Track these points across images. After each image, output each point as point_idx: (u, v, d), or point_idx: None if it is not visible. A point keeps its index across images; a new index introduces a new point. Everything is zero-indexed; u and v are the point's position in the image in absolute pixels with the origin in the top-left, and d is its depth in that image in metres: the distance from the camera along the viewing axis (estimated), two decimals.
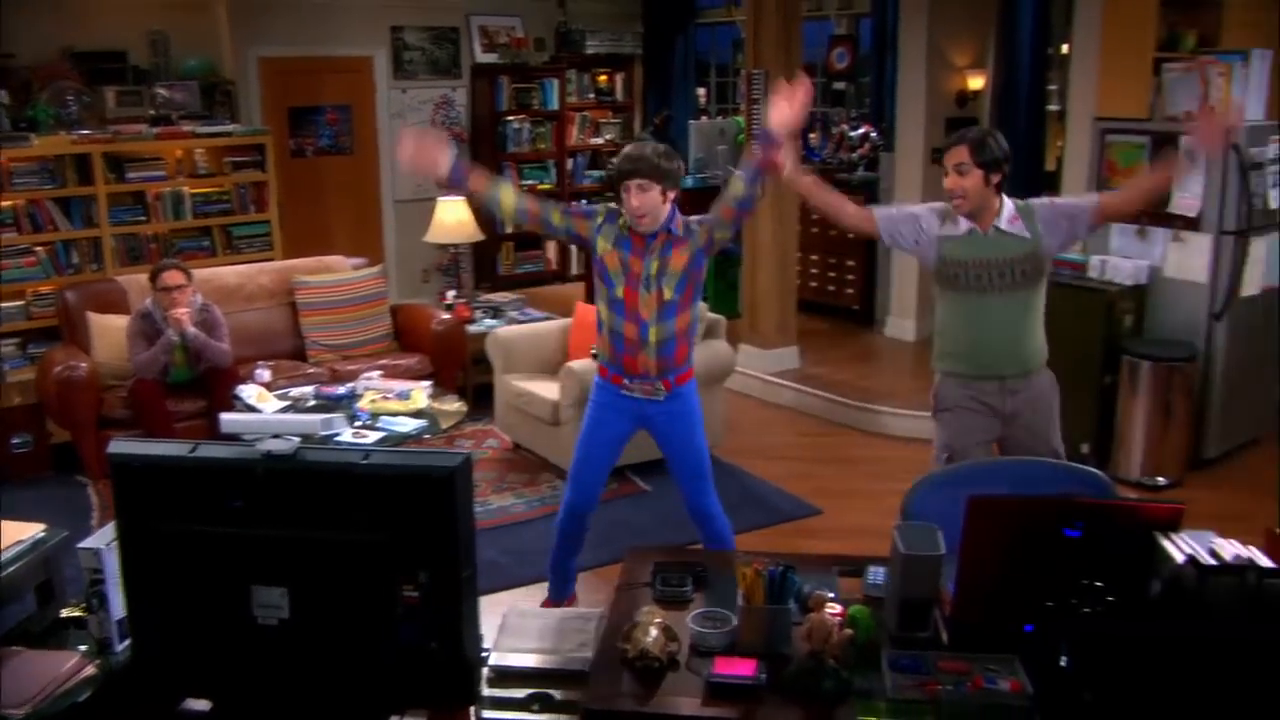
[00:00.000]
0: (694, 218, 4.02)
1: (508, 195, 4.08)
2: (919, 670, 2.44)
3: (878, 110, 9.24)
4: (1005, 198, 4.00)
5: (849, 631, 2.46)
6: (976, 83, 8.21)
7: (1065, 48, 8.02)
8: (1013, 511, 2.51)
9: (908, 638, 2.59)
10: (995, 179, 3.91)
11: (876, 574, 2.94)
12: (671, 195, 3.91)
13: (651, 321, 3.95)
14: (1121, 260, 6.21)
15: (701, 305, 6.14)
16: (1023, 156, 8.07)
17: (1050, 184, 8.38)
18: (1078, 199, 4.29)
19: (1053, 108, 8.34)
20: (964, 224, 4.00)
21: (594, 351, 4.27)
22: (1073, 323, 6.15)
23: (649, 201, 3.84)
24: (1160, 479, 5.98)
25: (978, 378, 4.11)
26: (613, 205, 4.06)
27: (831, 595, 2.61)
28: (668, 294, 3.93)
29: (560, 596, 4.45)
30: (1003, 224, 3.96)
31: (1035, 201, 4.09)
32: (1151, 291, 6.19)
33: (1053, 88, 8.31)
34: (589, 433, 4.21)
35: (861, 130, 9.17)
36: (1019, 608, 2.48)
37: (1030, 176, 8.16)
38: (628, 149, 3.93)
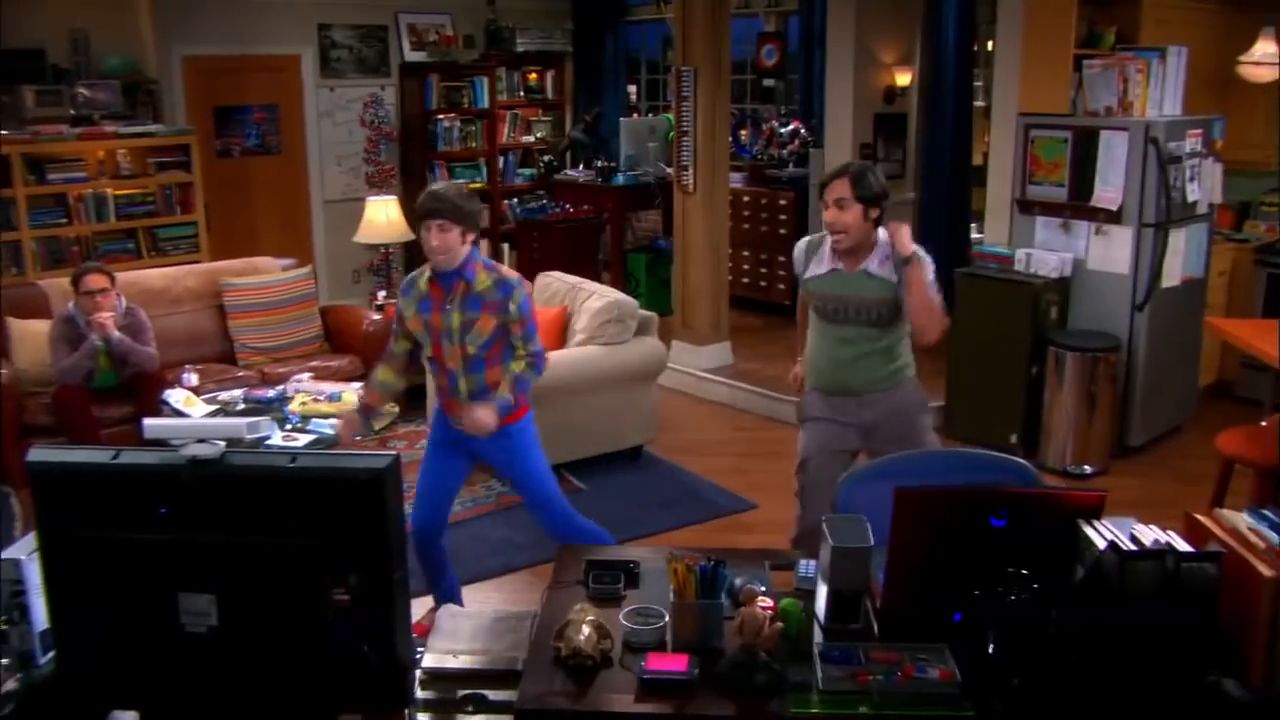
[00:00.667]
0: (513, 287, 3.99)
1: (386, 374, 4.27)
2: (850, 661, 2.47)
3: (807, 106, 9.31)
4: (883, 235, 3.96)
5: (780, 625, 2.48)
6: (904, 79, 8.31)
7: (990, 44, 8.15)
8: (939, 502, 2.55)
9: (839, 629, 2.62)
10: (874, 214, 3.90)
11: (808, 567, 2.97)
12: (470, 237, 3.97)
13: (459, 372, 4.03)
14: (1046, 253, 6.32)
15: (630, 301, 6.18)
16: (950, 152, 8.20)
17: (979, 178, 8.53)
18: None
19: (979, 103, 8.47)
20: (828, 262, 4.02)
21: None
22: (1000, 315, 6.28)
23: (448, 241, 3.88)
24: (1086, 467, 6.10)
25: (835, 393, 4.16)
26: (405, 279, 4.19)
27: (763, 589, 2.63)
28: (471, 349, 3.98)
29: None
30: (872, 267, 3.94)
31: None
32: (1075, 283, 6.31)
33: (978, 84, 8.44)
34: (426, 466, 4.31)
35: (791, 127, 9.24)
36: (948, 597, 2.51)
37: (958, 171, 8.29)
38: (430, 189, 3.99)
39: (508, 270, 4.09)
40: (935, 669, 2.42)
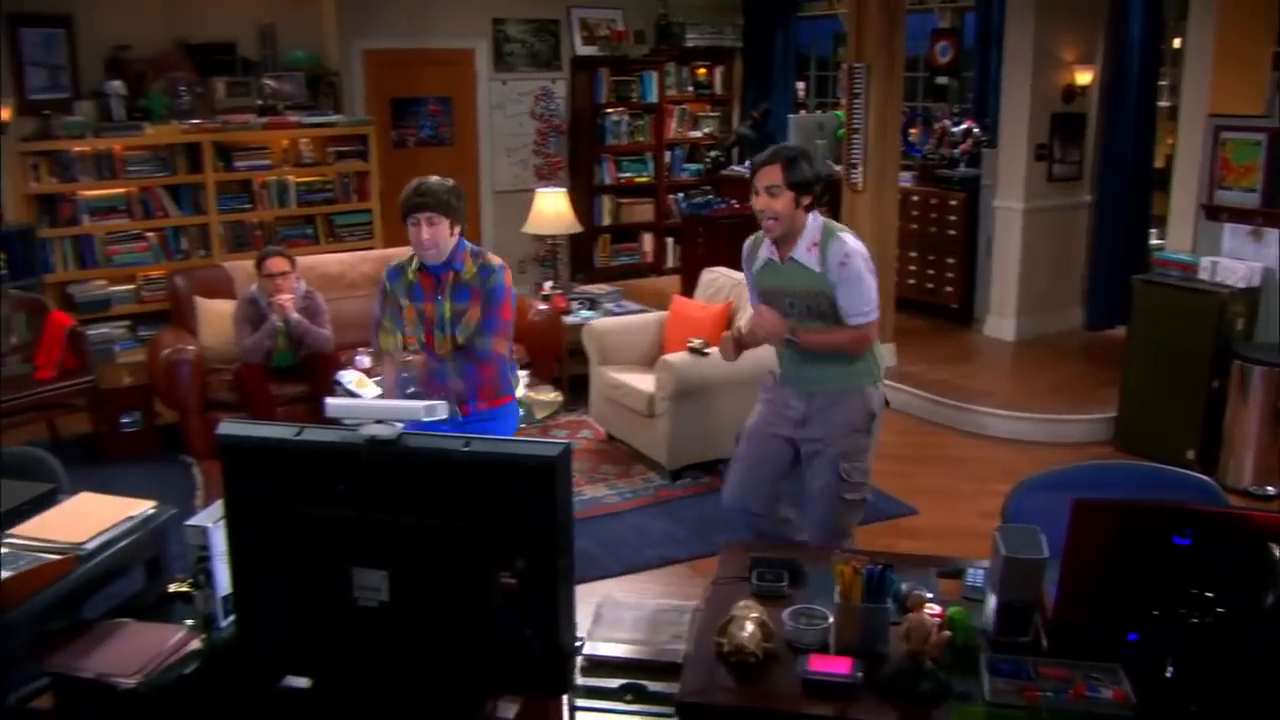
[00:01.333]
0: (497, 274, 3.97)
1: (388, 341, 4.17)
2: (1019, 675, 2.40)
3: (980, 105, 9.06)
4: (812, 219, 3.86)
5: (948, 633, 2.42)
6: (1084, 78, 8.02)
7: (1178, 42, 7.81)
8: (1119, 516, 2.45)
9: (1007, 642, 2.55)
10: (806, 201, 3.80)
11: (976, 576, 2.90)
12: (458, 230, 3.93)
13: (449, 360, 4.00)
14: (1233, 261, 6.03)
15: None
16: (1132, 154, 7.89)
17: (1160, 182, 8.20)
18: (854, 298, 3.84)
19: (1164, 103, 8.13)
20: (764, 254, 3.96)
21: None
22: (1180, 325, 6.02)
23: (437, 234, 3.86)
24: (1269, 488, 5.79)
25: (791, 389, 4.03)
26: (391, 265, 4.13)
27: (930, 596, 2.57)
28: (461, 339, 3.98)
29: None
30: (798, 254, 3.85)
31: (836, 245, 3.81)
32: (1265, 294, 6.00)
33: (1164, 83, 8.09)
34: None
35: (964, 126, 9.01)
36: (1123, 615, 2.42)
37: (1139, 174, 7.97)
38: (416, 184, 3.92)
39: (492, 256, 4.05)
40: (1109, 689, 2.33)
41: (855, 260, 3.80)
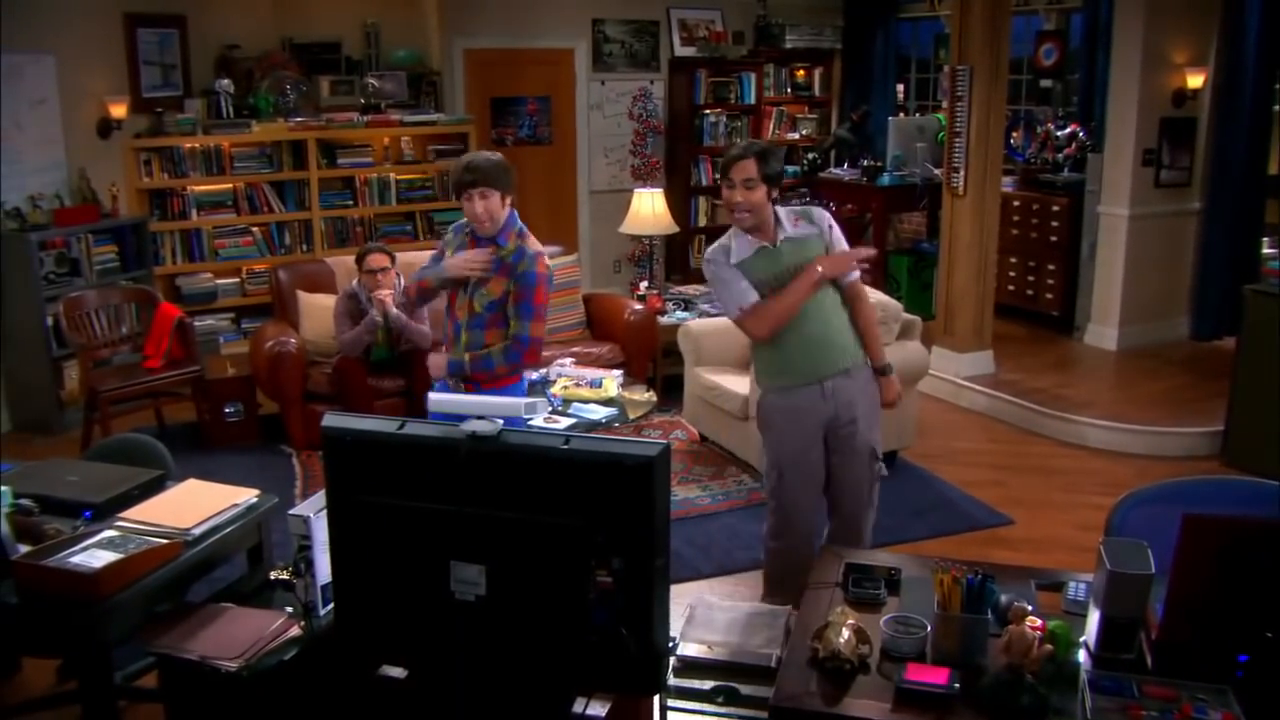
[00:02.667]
0: (530, 260, 4.03)
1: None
2: (1122, 693, 2.34)
3: (1086, 109, 8.88)
4: (777, 208, 3.96)
5: (1049, 647, 2.38)
6: (1196, 81, 7.81)
7: None
8: (1231, 532, 2.37)
9: (1110, 658, 2.49)
10: (775, 193, 3.90)
11: (1077, 589, 2.84)
12: (509, 200, 4.08)
13: (464, 325, 4.12)
14: None
15: (894, 304, 6.04)
16: (1244, 159, 7.68)
17: (1274, 188, 7.96)
18: (844, 254, 4.01)
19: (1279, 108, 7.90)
20: (748, 244, 3.92)
21: None
22: None
23: (490, 206, 4.00)
24: None
25: (800, 386, 3.98)
26: (460, 222, 4.25)
27: (1031, 608, 2.52)
28: (477, 307, 4.07)
29: None
30: (789, 230, 3.94)
31: (815, 209, 4.08)
32: None
33: None
34: None
35: (1068, 130, 8.83)
36: (1233, 636, 2.35)
37: (1251, 180, 7.76)
38: (466, 160, 4.07)
39: (534, 241, 4.12)
40: (1217, 712, 2.26)
41: (829, 219, 4.06)
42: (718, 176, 4.01)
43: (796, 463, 4.04)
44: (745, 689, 2.55)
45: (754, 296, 3.91)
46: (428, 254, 7.34)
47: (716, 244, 4.03)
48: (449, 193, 8.48)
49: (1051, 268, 8.60)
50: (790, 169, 10.45)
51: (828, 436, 4.04)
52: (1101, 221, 8.07)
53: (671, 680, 2.61)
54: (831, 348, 3.96)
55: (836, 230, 4.04)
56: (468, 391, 4.10)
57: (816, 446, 4.04)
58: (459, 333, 4.14)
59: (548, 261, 4.13)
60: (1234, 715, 2.24)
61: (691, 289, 8.11)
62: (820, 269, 3.86)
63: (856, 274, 4.07)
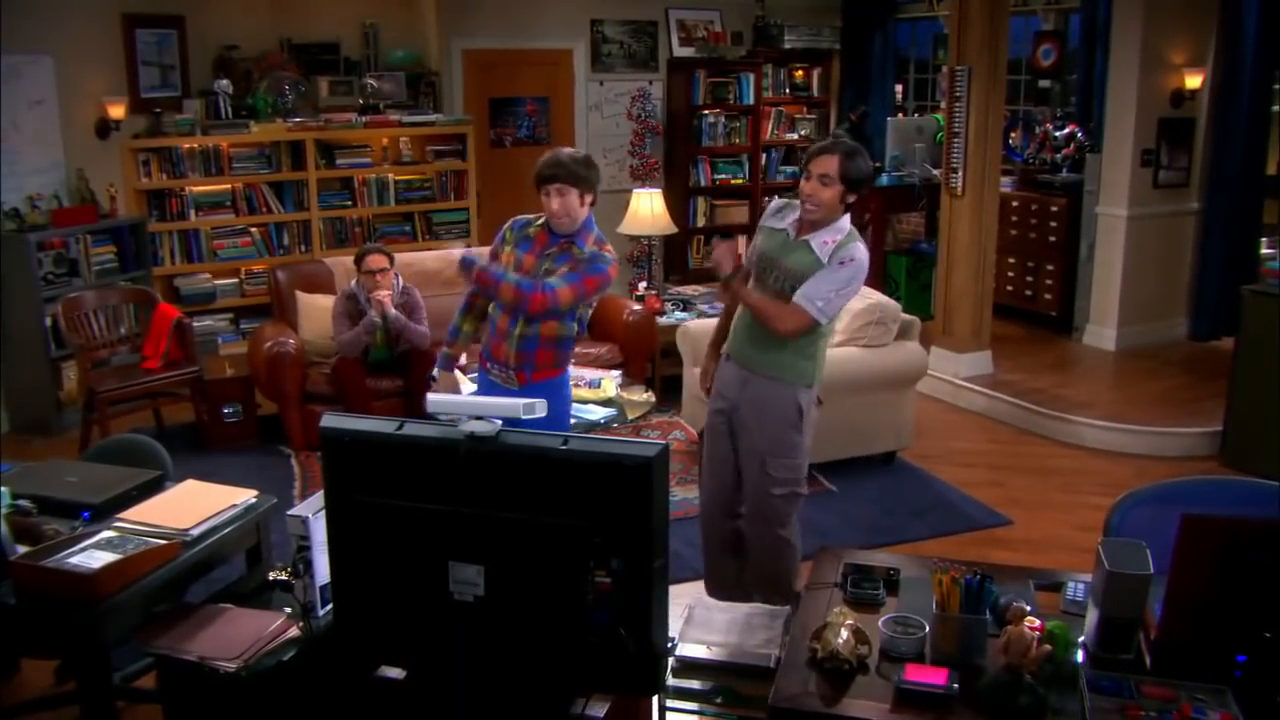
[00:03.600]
0: (600, 262, 4.04)
1: (469, 325, 4.38)
2: (1120, 693, 2.35)
3: (1084, 109, 8.88)
4: (845, 220, 3.89)
5: (1047, 647, 2.38)
6: (1194, 81, 7.81)
7: None
8: (1230, 533, 2.38)
9: (1108, 658, 2.49)
10: (851, 198, 3.84)
11: (1076, 589, 2.84)
12: (589, 199, 4.05)
13: (520, 316, 4.07)
14: None
15: (893, 304, 6.05)
16: (1243, 159, 7.69)
17: (1271, 189, 7.97)
18: (816, 288, 3.84)
19: (1278, 108, 7.90)
20: (788, 221, 3.95)
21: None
22: None
23: (568, 204, 3.98)
24: None
25: (730, 359, 4.11)
26: (521, 218, 4.23)
27: (1029, 609, 2.52)
28: None
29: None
30: (814, 240, 3.86)
31: (854, 251, 3.83)
32: None
33: (1279, 86, 7.85)
34: None
35: (1067, 130, 8.83)
36: (1232, 636, 2.35)
37: (1249, 181, 7.76)
38: (549, 155, 4.04)
39: (610, 249, 4.12)
40: (1215, 712, 2.27)
41: (853, 268, 3.83)
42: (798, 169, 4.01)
43: (709, 428, 4.19)
44: (744, 689, 2.55)
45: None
46: (426, 254, 7.41)
47: (788, 200, 4.06)
48: (448, 192, 8.51)
49: (1050, 268, 8.60)
50: (788, 169, 10.45)
51: (732, 422, 4.10)
52: (1100, 222, 8.08)
53: (670, 681, 2.61)
54: (762, 351, 3.98)
55: (841, 269, 3.81)
56: (519, 382, 4.13)
57: (721, 422, 4.12)
58: (514, 327, 4.09)
59: (616, 271, 4.14)
60: (1232, 715, 2.25)
61: (690, 289, 8.11)
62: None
63: (799, 303, 3.87)
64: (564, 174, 3.95)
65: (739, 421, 4.05)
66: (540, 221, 4.11)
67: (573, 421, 4.85)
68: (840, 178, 3.77)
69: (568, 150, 4.09)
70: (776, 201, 4.11)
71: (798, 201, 3.96)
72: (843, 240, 3.85)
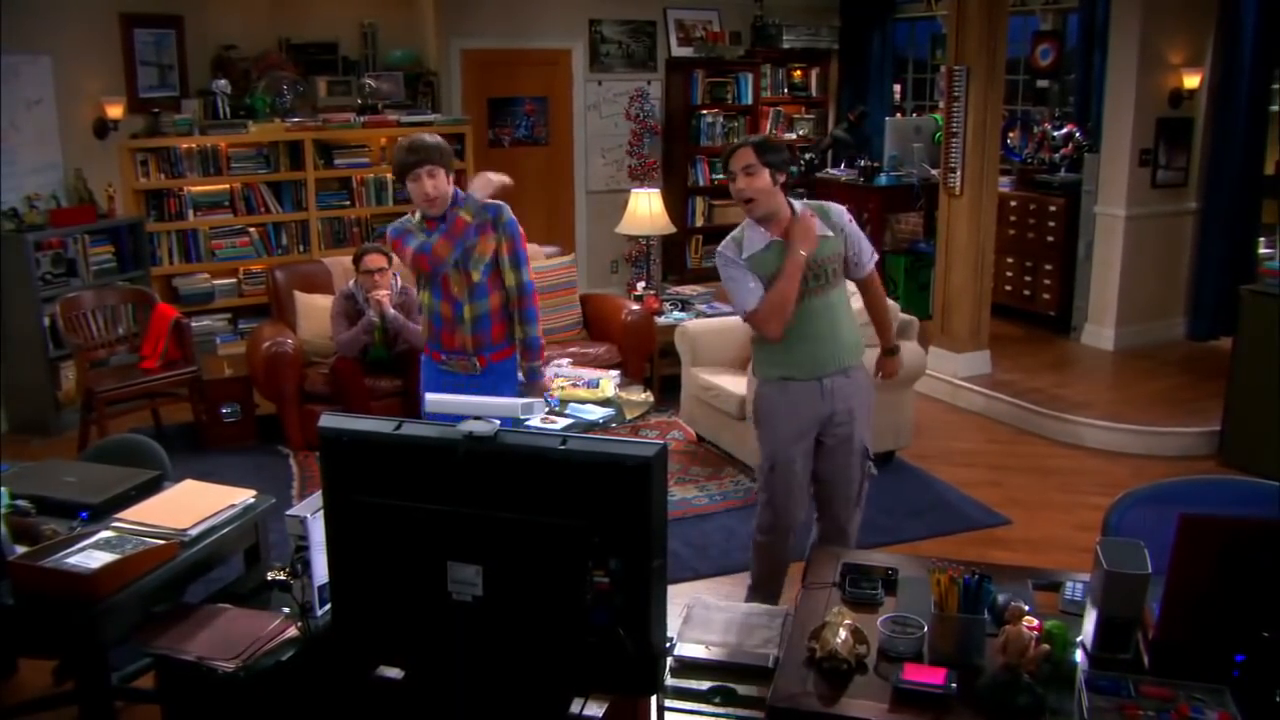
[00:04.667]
0: (500, 210, 4.18)
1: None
2: (1118, 693, 2.34)
3: (1083, 109, 8.89)
4: (794, 202, 3.95)
5: (1046, 647, 2.38)
6: (1192, 81, 7.82)
7: None
8: (1228, 532, 2.38)
9: (1107, 658, 2.49)
10: (781, 178, 3.88)
11: (1074, 589, 2.85)
12: (452, 177, 4.16)
13: (465, 300, 4.19)
14: None
15: (891, 304, 6.04)
16: (1241, 159, 7.69)
17: (1270, 189, 7.97)
18: (863, 247, 4.06)
19: (1276, 108, 7.91)
20: (761, 238, 3.91)
21: (425, 339, 4.46)
22: None
23: (440, 184, 4.08)
24: None
25: (800, 381, 4.00)
26: (394, 227, 4.27)
27: (1028, 608, 2.52)
28: (475, 275, 4.18)
29: None
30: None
31: (832, 207, 4.05)
32: None
33: (1277, 86, 7.86)
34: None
35: (1065, 130, 8.84)
36: (1230, 635, 2.35)
37: (1248, 180, 7.77)
38: (408, 143, 4.13)
39: (488, 198, 4.19)
40: (1214, 712, 2.27)
41: (848, 216, 4.05)
42: (724, 177, 3.99)
43: (789, 457, 4.04)
44: (742, 689, 2.55)
45: (761, 294, 3.89)
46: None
47: (729, 237, 4.01)
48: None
49: (1048, 268, 8.60)
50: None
51: (821, 434, 4.05)
52: (1098, 222, 8.08)
53: (669, 680, 2.61)
54: (837, 346, 3.97)
55: (853, 227, 4.04)
56: (480, 366, 4.22)
57: (808, 442, 4.05)
58: (460, 311, 4.19)
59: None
60: (1231, 715, 2.25)
61: (689, 289, 8.11)
62: (802, 251, 3.83)
63: (871, 265, 4.09)
64: (432, 155, 4.06)
65: (837, 423, 4.02)
66: (418, 219, 4.20)
67: (571, 421, 4.86)
68: (762, 164, 3.83)
69: (421, 134, 4.20)
70: (726, 244, 4.00)
71: (740, 225, 4.00)
72: (817, 210, 3.98)
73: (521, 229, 4.27)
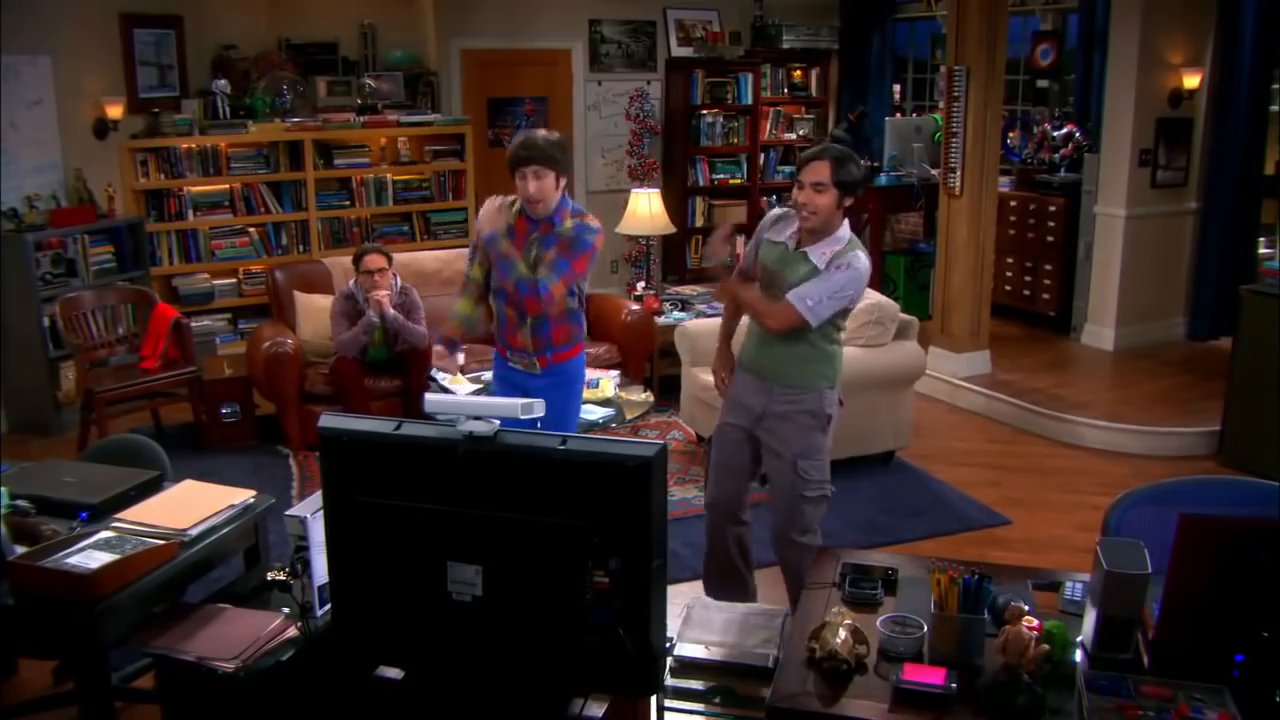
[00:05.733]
0: (587, 234, 4.09)
1: (464, 306, 4.34)
2: (1118, 692, 2.34)
3: (1082, 109, 8.89)
4: (844, 228, 3.91)
5: (1046, 647, 2.38)
6: (1192, 81, 7.82)
7: None
8: (1228, 532, 2.38)
9: (1107, 658, 2.49)
10: (847, 202, 3.84)
11: (1074, 589, 2.85)
12: (563, 182, 4.07)
13: (526, 322, 4.16)
14: None
15: (891, 304, 6.04)
16: (1241, 159, 7.69)
17: (1270, 189, 7.97)
18: (809, 291, 3.85)
19: (1275, 108, 7.91)
20: (788, 232, 3.95)
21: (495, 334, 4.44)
22: None
23: (544, 187, 3.99)
24: None
25: (747, 369, 4.10)
26: (504, 199, 4.21)
27: (1028, 608, 2.52)
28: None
29: None
30: (813, 251, 3.87)
31: (854, 260, 3.85)
32: None
33: (1277, 86, 7.86)
34: None
35: (1065, 130, 8.84)
36: (1230, 635, 2.35)
37: (1247, 180, 7.77)
38: (521, 137, 4.06)
39: (592, 218, 4.15)
40: (1213, 711, 2.27)
41: (849, 274, 3.84)
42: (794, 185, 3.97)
43: (723, 433, 4.18)
44: (742, 689, 2.55)
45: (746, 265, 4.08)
46: (424, 254, 7.41)
47: (784, 209, 4.05)
48: (446, 193, 8.51)
49: (1048, 268, 8.61)
50: (786, 169, 10.45)
51: (756, 432, 4.09)
52: (1098, 222, 8.08)
53: (669, 681, 2.61)
54: (782, 361, 4.00)
55: (837, 273, 3.83)
56: (540, 366, 4.20)
57: (741, 429, 4.11)
58: (523, 316, 4.14)
59: (602, 239, 4.18)
60: (1230, 715, 2.25)
61: (688, 289, 8.11)
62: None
63: (793, 305, 3.87)
64: (540, 156, 3.96)
65: (766, 429, 4.05)
66: (516, 208, 4.13)
67: None
68: (834, 183, 3.78)
69: (541, 132, 4.10)
70: (775, 211, 4.11)
71: (794, 212, 3.98)
72: (841, 249, 3.87)
73: (589, 256, 4.10)
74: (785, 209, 4.07)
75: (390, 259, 6.29)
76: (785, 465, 4.02)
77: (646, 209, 7.82)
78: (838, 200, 3.81)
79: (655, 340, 7.12)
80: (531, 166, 3.96)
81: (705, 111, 9.95)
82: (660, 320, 7.26)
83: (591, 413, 4.92)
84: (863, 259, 3.88)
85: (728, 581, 4.33)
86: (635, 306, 7.22)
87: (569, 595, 2.24)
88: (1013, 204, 8.77)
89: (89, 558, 3.01)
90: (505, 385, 4.36)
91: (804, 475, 4.01)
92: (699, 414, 6.36)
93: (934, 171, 8.54)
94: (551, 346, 4.21)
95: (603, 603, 2.22)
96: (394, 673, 2.57)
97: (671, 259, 10.01)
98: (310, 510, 2.85)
